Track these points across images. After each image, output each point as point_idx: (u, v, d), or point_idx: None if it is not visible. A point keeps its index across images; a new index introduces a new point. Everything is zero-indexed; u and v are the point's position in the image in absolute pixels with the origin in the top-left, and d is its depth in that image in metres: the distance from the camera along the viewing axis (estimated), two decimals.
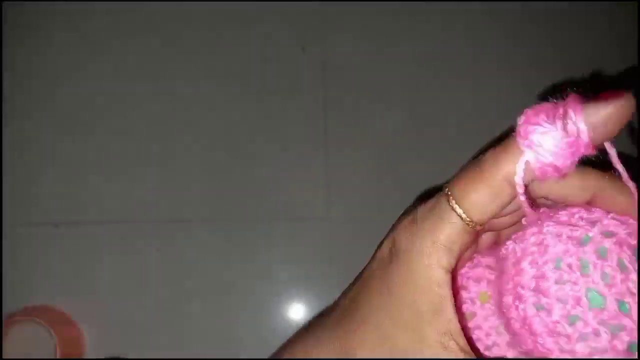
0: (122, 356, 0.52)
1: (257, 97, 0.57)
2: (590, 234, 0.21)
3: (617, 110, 0.19)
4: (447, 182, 0.22)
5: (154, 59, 0.58)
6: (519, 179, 0.20)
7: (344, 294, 0.26)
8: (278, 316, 0.54)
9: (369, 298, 0.23)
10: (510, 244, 0.23)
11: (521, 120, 0.20)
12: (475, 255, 0.27)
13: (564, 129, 0.19)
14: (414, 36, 0.58)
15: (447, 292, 0.21)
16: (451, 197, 0.21)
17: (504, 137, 0.21)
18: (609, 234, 0.21)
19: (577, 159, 0.20)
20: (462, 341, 0.21)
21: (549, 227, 0.22)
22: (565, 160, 0.20)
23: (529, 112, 0.20)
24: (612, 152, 0.21)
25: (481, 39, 0.59)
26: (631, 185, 0.21)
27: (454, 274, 0.22)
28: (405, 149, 0.57)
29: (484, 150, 0.22)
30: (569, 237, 0.21)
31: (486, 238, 0.26)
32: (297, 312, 0.54)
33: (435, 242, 0.21)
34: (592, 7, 0.59)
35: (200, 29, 0.58)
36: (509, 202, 0.21)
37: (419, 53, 0.58)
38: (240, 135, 0.57)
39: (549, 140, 0.19)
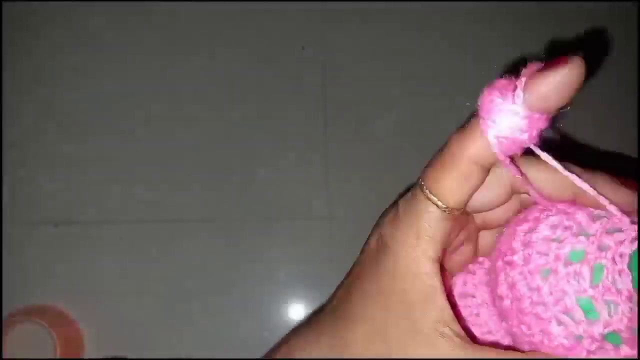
0: (122, 356, 0.52)
1: (257, 97, 0.57)
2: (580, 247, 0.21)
3: (566, 76, 0.18)
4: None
5: (154, 58, 0.58)
6: (497, 152, 0.20)
7: (337, 289, 0.26)
8: (278, 316, 0.54)
9: (360, 293, 0.23)
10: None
11: (480, 98, 0.20)
12: (477, 259, 0.27)
13: (514, 102, 0.19)
14: (414, 36, 0.58)
15: (436, 281, 0.21)
16: (425, 187, 0.21)
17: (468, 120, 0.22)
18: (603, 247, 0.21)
19: (536, 132, 0.20)
20: (457, 327, 0.21)
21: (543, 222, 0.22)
22: (523, 134, 0.20)
23: (486, 90, 0.20)
24: (536, 150, 0.21)
25: (481, 38, 0.59)
26: (573, 177, 0.21)
27: (442, 262, 0.22)
28: (405, 149, 0.57)
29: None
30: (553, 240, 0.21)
31: (488, 238, 0.26)
32: (297, 312, 0.54)
33: (418, 233, 0.21)
34: (592, 7, 0.59)
35: (200, 29, 0.58)
36: (480, 184, 0.21)
37: (419, 53, 0.58)
38: (240, 135, 0.57)
39: (505, 117, 0.20)
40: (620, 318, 0.20)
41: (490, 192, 0.23)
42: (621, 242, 0.20)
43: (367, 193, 0.56)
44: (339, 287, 0.26)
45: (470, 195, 0.21)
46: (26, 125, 0.57)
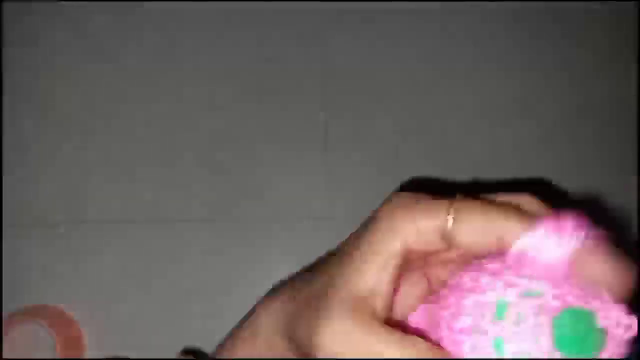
0: (122, 356, 0.52)
1: (257, 97, 0.57)
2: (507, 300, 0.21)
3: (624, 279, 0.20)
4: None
5: (154, 58, 0.58)
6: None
7: None
8: None
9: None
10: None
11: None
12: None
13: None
14: (414, 36, 0.58)
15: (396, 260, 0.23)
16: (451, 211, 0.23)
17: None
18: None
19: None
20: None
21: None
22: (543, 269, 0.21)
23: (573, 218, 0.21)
24: None
25: (481, 38, 0.59)
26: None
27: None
28: (405, 149, 0.57)
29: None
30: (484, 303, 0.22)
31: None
32: None
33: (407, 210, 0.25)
34: (592, 7, 0.59)
35: (200, 29, 0.58)
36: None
37: (419, 53, 0.58)
38: (240, 135, 0.57)
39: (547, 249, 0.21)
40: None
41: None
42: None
43: (367, 193, 0.56)
44: None
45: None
46: (26, 125, 0.57)
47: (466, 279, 0.23)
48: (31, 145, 0.56)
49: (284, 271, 0.55)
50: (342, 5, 0.58)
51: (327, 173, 0.56)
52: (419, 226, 0.23)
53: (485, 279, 0.22)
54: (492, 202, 0.22)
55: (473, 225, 0.22)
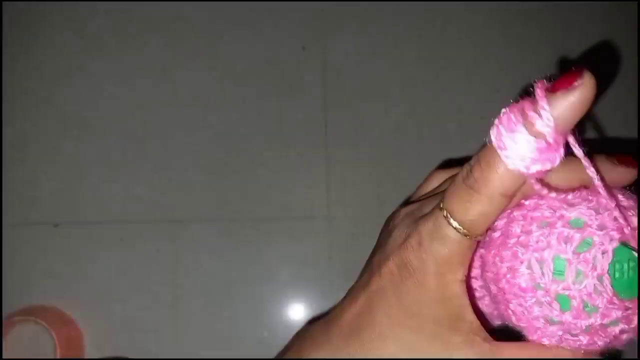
0: (122, 356, 0.52)
1: (257, 97, 0.57)
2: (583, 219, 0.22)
3: (580, 96, 0.19)
4: (443, 199, 0.23)
5: (154, 58, 0.58)
6: (528, 178, 0.21)
7: (345, 309, 0.26)
8: (278, 316, 0.54)
9: (385, 315, 0.24)
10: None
11: (495, 125, 0.21)
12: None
13: (531, 131, 0.20)
14: (414, 36, 0.58)
15: (465, 300, 0.23)
16: (449, 217, 0.22)
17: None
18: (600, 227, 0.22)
19: (559, 155, 0.21)
20: (484, 334, 0.23)
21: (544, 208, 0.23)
22: (545, 163, 0.20)
23: (502, 116, 0.21)
24: (572, 142, 0.21)
25: (481, 38, 0.59)
26: (591, 173, 0.21)
27: (467, 278, 0.24)
28: (405, 149, 0.57)
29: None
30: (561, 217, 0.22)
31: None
32: (297, 312, 0.54)
33: (446, 261, 0.22)
34: (592, 7, 0.59)
35: (200, 29, 0.58)
36: (504, 209, 0.22)
37: (419, 53, 0.58)
38: (240, 135, 0.57)
39: (523, 146, 0.20)
40: (580, 289, 0.21)
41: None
42: (620, 229, 0.21)
43: (367, 193, 0.56)
44: (345, 306, 0.26)
45: (494, 221, 0.23)
46: (26, 124, 0.57)
47: (516, 228, 0.23)
48: (31, 145, 0.56)
49: (284, 271, 0.55)
50: (342, 5, 0.58)
51: (327, 172, 0.56)
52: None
53: (537, 231, 0.22)
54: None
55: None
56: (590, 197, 0.22)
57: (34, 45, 0.58)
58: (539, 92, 0.20)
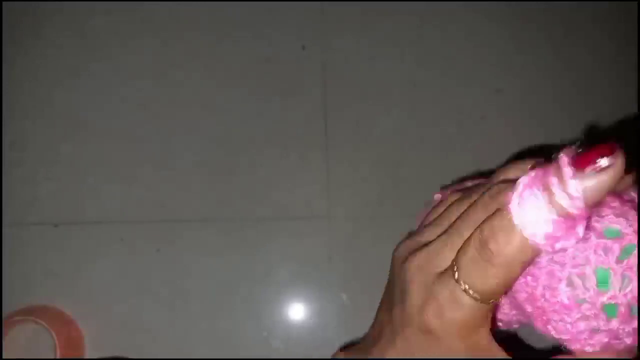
0: (122, 356, 0.52)
1: (258, 97, 0.57)
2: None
3: (610, 176, 0.18)
4: (454, 265, 0.23)
5: (154, 59, 0.58)
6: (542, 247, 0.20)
7: (376, 351, 0.27)
8: (278, 316, 0.54)
9: None
10: None
11: (516, 196, 0.20)
12: None
13: (556, 207, 0.19)
14: (414, 36, 0.59)
15: (494, 347, 0.24)
16: (467, 287, 0.22)
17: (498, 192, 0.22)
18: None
19: (579, 232, 0.20)
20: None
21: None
22: (565, 241, 0.20)
23: (522, 187, 0.20)
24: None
25: (481, 39, 0.59)
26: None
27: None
28: (405, 149, 0.57)
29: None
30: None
31: None
32: (297, 312, 0.54)
33: (469, 324, 0.23)
34: (592, 7, 0.59)
35: (200, 29, 0.58)
36: (519, 276, 0.22)
37: (419, 53, 0.58)
38: (240, 135, 0.57)
39: (545, 222, 0.19)
40: (626, 293, 0.21)
41: None
42: None
43: (367, 193, 0.56)
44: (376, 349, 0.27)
45: (510, 286, 0.22)
46: (25, 125, 0.57)
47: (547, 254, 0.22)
48: (31, 145, 0.56)
49: (284, 271, 0.55)
50: (342, 5, 0.58)
51: (327, 172, 0.56)
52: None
53: (571, 250, 0.22)
54: None
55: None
56: (611, 204, 0.22)
57: (34, 46, 0.58)
58: (566, 167, 0.19)
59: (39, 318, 0.49)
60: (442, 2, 0.59)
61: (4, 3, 0.58)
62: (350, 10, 0.58)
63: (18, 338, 0.49)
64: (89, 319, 0.53)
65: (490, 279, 0.21)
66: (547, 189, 0.19)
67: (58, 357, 0.48)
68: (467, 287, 0.22)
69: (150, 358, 0.52)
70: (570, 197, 0.19)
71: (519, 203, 0.20)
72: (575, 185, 0.18)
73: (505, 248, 0.20)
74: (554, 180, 0.19)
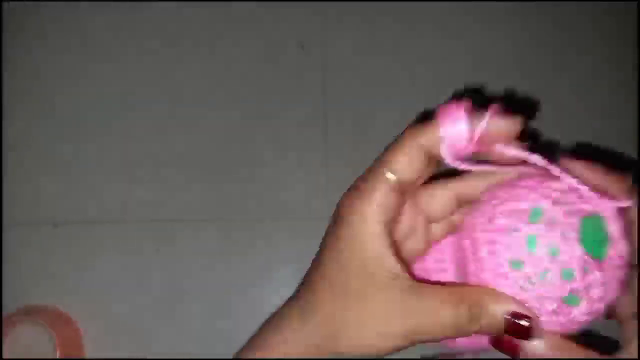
0: (122, 356, 0.52)
1: (257, 97, 0.57)
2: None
3: (512, 124, 0.25)
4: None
5: (154, 59, 0.58)
6: (443, 149, 0.25)
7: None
8: None
9: (323, 258, 0.28)
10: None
11: (443, 109, 0.26)
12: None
13: (471, 126, 0.25)
14: (414, 36, 0.59)
15: (386, 241, 0.25)
16: (379, 164, 0.26)
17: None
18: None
19: (469, 149, 0.26)
20: (407, 278, 0.25)
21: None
22: (467, 146, 0.25)
23: (452, 105, 0.26)
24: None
25: (481, 39, 0.59)
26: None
27: (393, 225, 0.26)
28: None
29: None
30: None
31: (437, 229, 0.30)
32: None
33: (371, 202, 0.25)
34: (592, 7, 0.59)
35: (200, 29, 0.59)
36: (424, 167, 0.26)
37: (419, 53, 0.58)
38: (240, 135, 0.57)
39: (460, 128, 0.25)
40: (553, 258, 0.24)
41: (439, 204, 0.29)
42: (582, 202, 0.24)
43: None
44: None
45: (418, 173, 0.26)
46: (25, 125, 0.57)
47: (501, 192, 0.26)
48: (31, 145, 0.56)
49: (284, 271, 0.55)
50: (342, 5, 0.58)
51: (327, 173, 0.56)
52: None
53: (518, 191, 0.25)
54: None
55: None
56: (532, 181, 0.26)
57: (34, 45, 0.58)
58: (491, 110, 0.25)
59: (39, 318, 0.49)
60: (442, 2, 0.59)
61: (4, 3, 0.58)
62: (350, 10, 0.58)
63: (18, 338, 0.49)
64: (89, 319, 0.53)
65: (398, 158, 0.25)
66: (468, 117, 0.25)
67: (58, 357, 0.48)
68: (381, 166, 0.26)
69: (150, 358, 0.52)
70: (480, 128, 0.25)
71: (443, 115, 0.25)
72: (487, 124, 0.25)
73: (419, 135, 0.25)
74: (476, 114, 0.25)
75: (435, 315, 0.24)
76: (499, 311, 0.24)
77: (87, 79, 0.58)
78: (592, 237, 0.24)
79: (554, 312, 0.24)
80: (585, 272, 0.23)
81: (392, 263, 0.25)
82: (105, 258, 0.54)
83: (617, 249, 0.24)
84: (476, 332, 0.25)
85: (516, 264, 0.24)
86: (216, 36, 0.58)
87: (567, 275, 0.23)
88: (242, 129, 0.57)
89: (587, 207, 0.24)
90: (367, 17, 0.59)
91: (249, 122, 0.57)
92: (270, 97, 0.57)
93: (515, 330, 0.24)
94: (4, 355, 0.48)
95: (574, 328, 0.25)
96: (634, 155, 0.57)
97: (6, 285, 0.53)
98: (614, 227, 0.24)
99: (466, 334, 0.25)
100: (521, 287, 0.24)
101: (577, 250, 0.23)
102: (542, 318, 0.24)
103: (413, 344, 0.25)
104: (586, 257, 0.23)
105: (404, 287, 0.25)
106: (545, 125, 0.58)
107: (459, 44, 0.59)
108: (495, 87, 0.58)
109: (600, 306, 0.24)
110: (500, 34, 0.59)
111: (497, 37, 0.59)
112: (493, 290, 0.25)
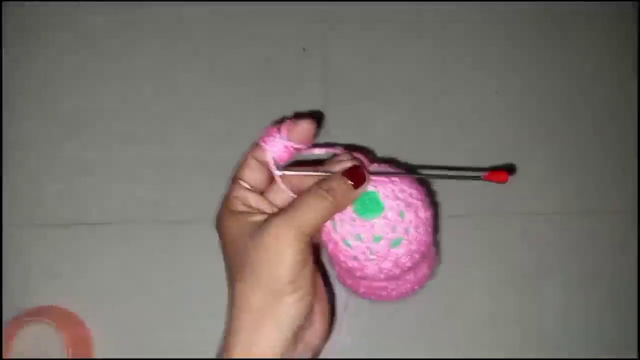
0: (128, 357, 0.53)
1: (258, 97, 0.58)
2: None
3: (305, 128, 0.37)
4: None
5: (155, 59, 0.58)
6: (268, 159, 0.38)
7: None
8: None
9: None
10: None
11: (265, 131, 0.39)
12: None
13: (280, 136, 0.38)
14: (414, 36, 0.58)
15: (245, 209, 0.38)
16: (235, 176, 0.39)
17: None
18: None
19: (289, 153, 0.39)
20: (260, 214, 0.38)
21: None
22: (282, 154, 0.38)
23: (267, 129, 0.39)
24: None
25: (481, 39, 0.59)
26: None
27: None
28: (405, 149, 0.57)
29: None
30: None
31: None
32: None
33: (233, 200, 0.38)
34: (592, 7, 0.58)
35: (201, 29, 0.58)
36: (261, 172, 0.39)
37: (419, 53, 0.58)
38: (240, 135, 0.57)
39: (275, 143, 0.38)
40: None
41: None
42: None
43: None
44: None
45: (260, 179, 0.39)
46: (27, 125, 0.57)
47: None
48: (32, 146, 0.57)
49: None
50: (342, 6, 0.58)
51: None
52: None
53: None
54: None
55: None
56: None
57: (35, 46, 0.58)
58: (287, 123, 0.38)
59: (48, 318, 0.50)
60: (442, 2, 0.58)
61: (3, 3, 0.58)
62: (351, 11, 0.58)
63: (27, 338, 0.50)
64: (97, 319, 0.54)
65: (244, 168, 0.39)
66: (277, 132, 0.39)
67: (67, 357, 0.49)
68: (236, 176, 0.39)
69: (152, 358, 0.53)
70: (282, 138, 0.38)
71: (264, 138, 0.39)
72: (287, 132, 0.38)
73: (253, 153, 0.39)
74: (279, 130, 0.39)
75: (307, 206, 0.34)
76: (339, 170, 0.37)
77: (89, 79, 0.58)
78: (363, 205, 0.37)
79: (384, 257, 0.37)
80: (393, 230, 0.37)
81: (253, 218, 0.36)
82: (110, 258, 0.55)
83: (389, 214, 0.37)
84: (339, 200, 0.35)
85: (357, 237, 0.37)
86: (218, 37, 0.58)
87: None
88: (243, 129, 0.57)
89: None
90: (367, 18, 0.58)
91: (250, 121, 0.57)
92: (271, 97, 0.57)
93: (352, 175, 0.36)
94: (14, 356, 0.49)
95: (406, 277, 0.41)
96: (634, 155, 0.57)
97: (15, 286, 0.54)
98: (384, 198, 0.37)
99: (338, 206, 0.36)
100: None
101: (354, 217, 0.38)
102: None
103: (308, 245, 0.34)
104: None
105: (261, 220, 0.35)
106: (546, 125, 0.58)
107: (459, 44, 0.59)
108: (495, 87, 0.58)
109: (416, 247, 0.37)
110: (500, 34, 0.59)
111: (497, 37, 0.59)
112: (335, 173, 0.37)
